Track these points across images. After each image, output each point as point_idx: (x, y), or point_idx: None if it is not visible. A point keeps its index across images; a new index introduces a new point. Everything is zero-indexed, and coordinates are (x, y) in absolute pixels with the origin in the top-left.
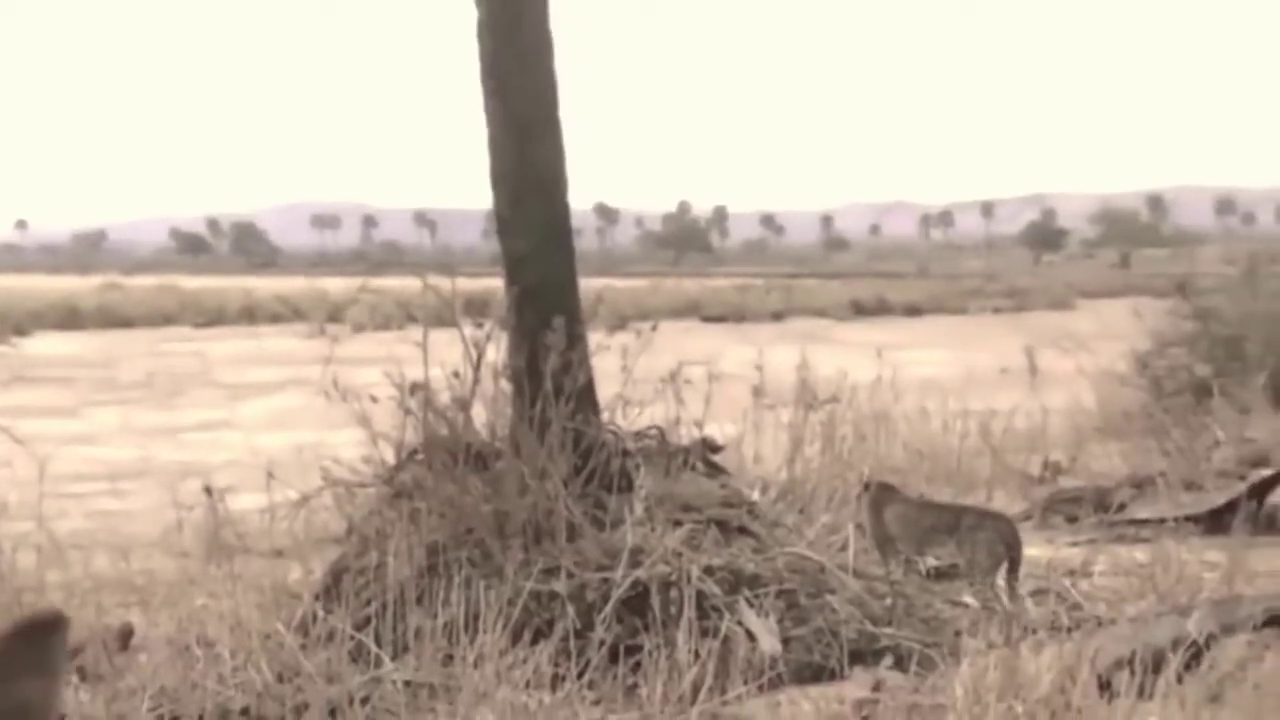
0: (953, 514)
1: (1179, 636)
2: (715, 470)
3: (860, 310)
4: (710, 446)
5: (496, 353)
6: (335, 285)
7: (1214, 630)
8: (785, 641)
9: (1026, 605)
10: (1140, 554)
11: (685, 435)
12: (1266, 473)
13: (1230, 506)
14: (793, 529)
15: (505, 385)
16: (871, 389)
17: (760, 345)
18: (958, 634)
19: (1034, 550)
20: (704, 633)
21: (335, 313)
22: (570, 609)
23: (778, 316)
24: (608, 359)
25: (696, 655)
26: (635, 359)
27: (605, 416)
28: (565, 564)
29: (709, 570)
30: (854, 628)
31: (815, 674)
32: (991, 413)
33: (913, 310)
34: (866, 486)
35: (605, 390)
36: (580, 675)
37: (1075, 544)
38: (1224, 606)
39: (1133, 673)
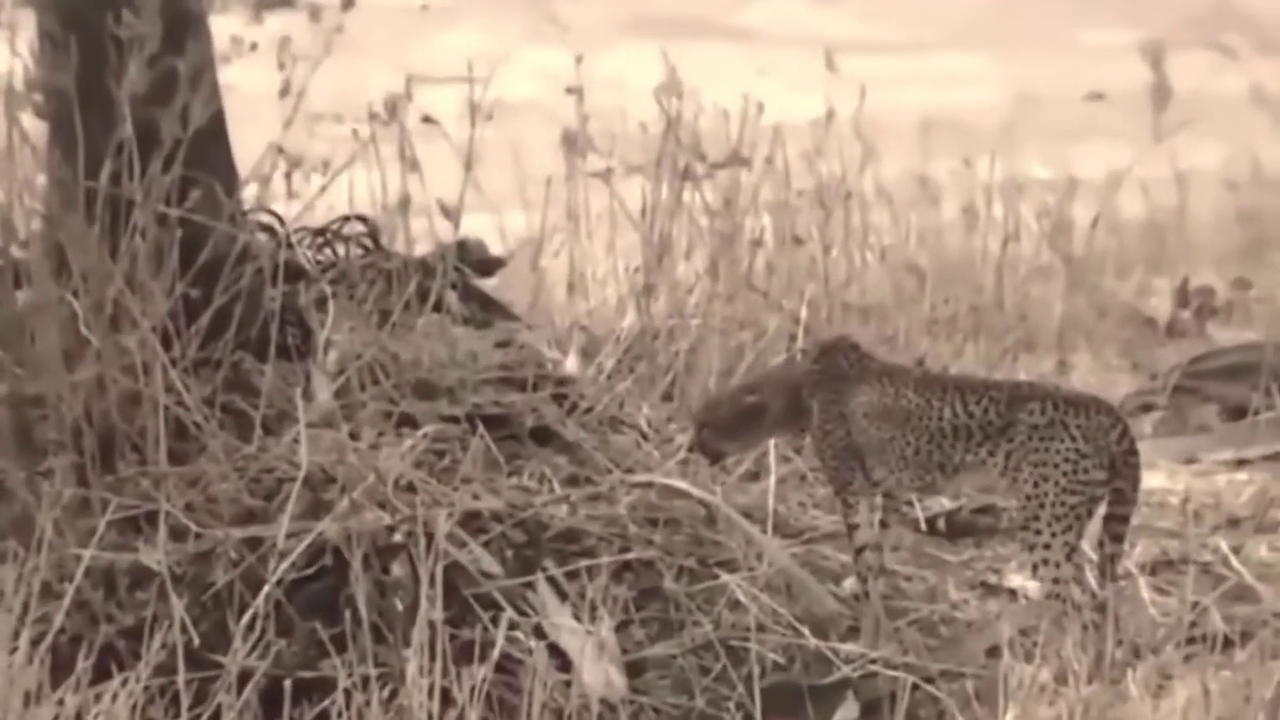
0: (998, 402)
1: None
2: (487, 310)
3: None
4: (478, 260)
5: (9, 57)
6: None
7: None
8: (635, 670)
9: (1140, 591)
10: None
11: (424, 235)
12: None
13: None
14: (651, 434)
15: (33, 127)
16: (817, 137)
17: (580, 41)
18: (992, 654)
19: (1156, 477)
20: (462, 655)
21: None
22: (178, 603)
23: None
24: (257, 70)
25: (445, 699)
26: (313, 70)
27: (250, 193)
28: (167, 508)
29: (472, 522)
30: (776, 641)
31: None
32: (1071, 186)
33: None
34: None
35: (251, 138)
36: None
37: (1241, 462)
38: None
39: None
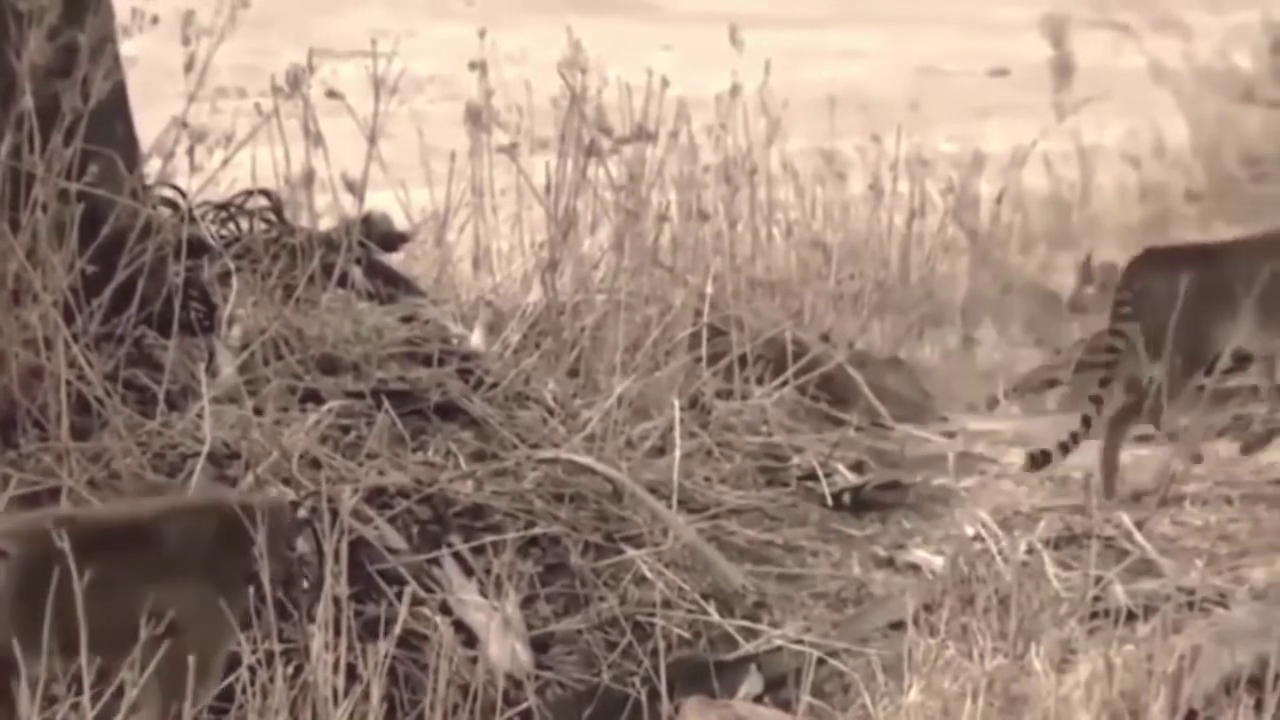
0: None
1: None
2: (392, 285)
3: None
4: (382, 234)
5: None
6: None
7: None
8: (541, 645)
9: (1044, 566)
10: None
11: (328, 209)
12: None
13: None
14: (557, 409)
15: None
16: (723, 112)
17: (485, 17)
18: (896, 628)
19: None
20: (368, 630)
21: None
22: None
23: None
24: (159, 44)
25: (350, 675)
26: (216, 44)
27: (153, 168)
28: (69, 483)
29: (377, 498)
30: (682, 616)
31: (604, 711)
32: (978, 159)
33: None
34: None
35: (154, 112)
36: None
37: (1144, 438)
38: None
39: (1260, 703)
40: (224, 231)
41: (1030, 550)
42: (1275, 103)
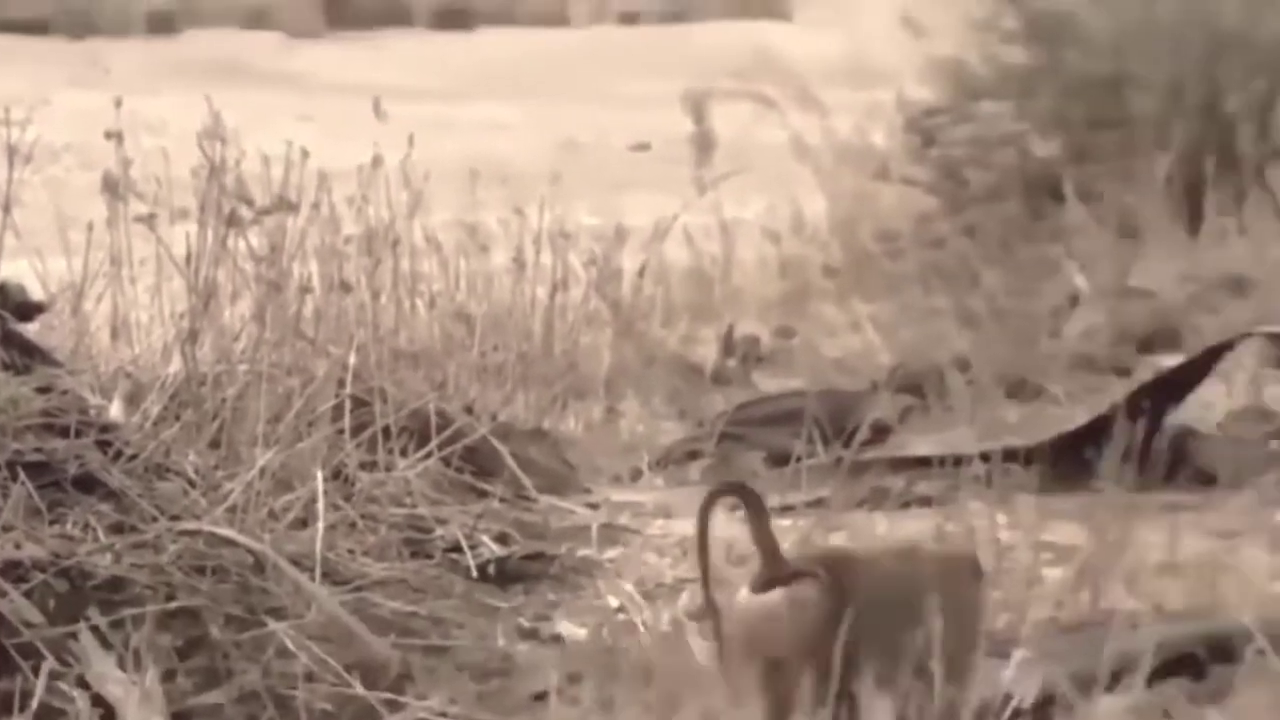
0: None
1: (988, 699)
2: (28, 355)
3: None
4: (18, 304)
5: None
6: None
7: (1059, 685)
8: (182, 719)
9: (686, 637)
10: (920, 525)
11: None
12: (1171, 363)
13: (1094, 432)
14: (199, 481)
15: None
16: (364, 183)
17: (122, 85)
18: (540, 699)
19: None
20: (2, 706)
21: None
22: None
23: (161, 25)
24: None
25: None
26: None
27: None
28: None
29: (12, 570)
30: (326, 690)
31: None
32: (620, 233)
33: (453, 18)
34: None
35: None
36: None
37: (785, 508)
38: (1082, 641)
39: None
40: None
41: (673, 621)
42: (909, 180)
